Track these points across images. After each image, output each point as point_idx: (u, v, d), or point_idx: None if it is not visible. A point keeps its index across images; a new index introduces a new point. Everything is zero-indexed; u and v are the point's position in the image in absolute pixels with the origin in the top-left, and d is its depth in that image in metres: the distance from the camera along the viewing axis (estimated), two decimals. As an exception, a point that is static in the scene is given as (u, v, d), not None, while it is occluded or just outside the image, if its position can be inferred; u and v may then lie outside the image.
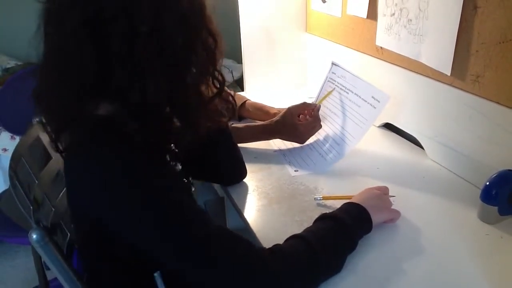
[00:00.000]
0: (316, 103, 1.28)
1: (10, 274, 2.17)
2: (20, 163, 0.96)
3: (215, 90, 0.82)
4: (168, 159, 0.87)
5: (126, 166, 0.71)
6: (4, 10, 2.67)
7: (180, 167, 0.93)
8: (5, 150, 2.17)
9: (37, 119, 0.80)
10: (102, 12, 0.68)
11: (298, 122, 1.24)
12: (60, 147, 0.80)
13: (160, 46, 0.70)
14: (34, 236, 0.76)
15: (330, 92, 1.28)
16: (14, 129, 2.00)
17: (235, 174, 1.15)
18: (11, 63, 2.61)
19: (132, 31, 0.68)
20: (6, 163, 1.16)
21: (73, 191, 0.78)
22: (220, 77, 0.82)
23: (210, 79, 0.80)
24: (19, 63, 2.59)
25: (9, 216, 1.50)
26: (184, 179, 0.90)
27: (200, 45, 0.75)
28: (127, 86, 0.70)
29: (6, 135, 2.16)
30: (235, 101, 1.06)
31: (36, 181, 0.87)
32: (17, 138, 2.12)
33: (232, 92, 1.49)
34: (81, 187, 0.74)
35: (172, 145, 0.92)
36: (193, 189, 0.96)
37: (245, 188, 1.13)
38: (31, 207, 0.85)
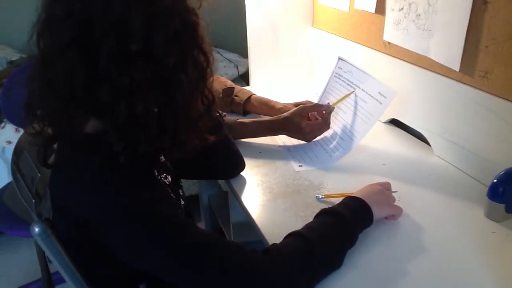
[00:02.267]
0: (331, 105, 1.26)
1: (13, 267, 2.17)
2: (23, 157, 0.95)
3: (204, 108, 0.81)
4: (156, 173, 0.87)
5: (112, 188, 0.71)
6: (9, 3, 2.67)
7: (170, 179, 0.92)
8: (9, 142, 2.17)
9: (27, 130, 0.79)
10: (92, 30, 0.67)
11: (306, 122, 1.22)
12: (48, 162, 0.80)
13: (150, 65, 0.69)
14: (36, 229, 0.75)
15: (348, 95, 1.26)
16: (18, 122, 1.99)
17: (232, 167, 1.14)
18: (16, 56, 2.61)
19: (121, 49, 0.67)
20: (10, 155, 1.15)
21: (58, 206, 0.79)
22: (210, 96, 0.81)
23: (200, 97, 0.79)
24: (23, 55, 2.59)
25: (12, 209, 1.50)
26: (173, 195, 0.89)
27: (191, 64, 0.74)
28: (115, 104, 0.69)
29: (10, 127, 2.16)
30: (222, 119, 1.05)
31: (39, 174, 0.87)
32: (21, 131, 2.11)
33: (235, 86, 1.49)
34: (67, 205, 0.75)
35: (161, 156, 0.92)
36: (182, 202, 0.95)
37: (249, 182, 1.12)
38: (33, 201, 0.84)
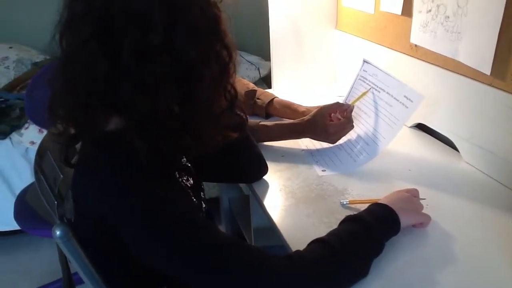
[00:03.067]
0: (350, 103, 1.24)
1: (34, 266, 2.19)
2: (46, 157, 0.95)
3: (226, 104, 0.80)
4: (177, 175, 0.86)
5: (129, 187, 0.70)
6: (34, 4, 2.71)
7: (192, 181, 0.91)
8: (32, 143, 2.19)
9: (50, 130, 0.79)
10: (113, 24, 0.66)
11: (329, 123, 1.20)
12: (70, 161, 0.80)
13: (171, 59, 0.68)
14: (58, 232, 0.75)
15: (365, 93, 1.23)
16: (42, 123, 2.01)
17: (255, 171, 1.12)
18: (40, 57, 2.65)
19: (143, 44, 0.66)
20: (34, 156, 1.16)
21: (79, 205, 0.78)
22: (232, 91, 0.80)
23: (223, 93, 0.78)
24: (48, 57, 2.62)
25: (35, 209, 1.51)
26: (194, 199, 0.88)
27: (214, 58, 0.73)
28: (136, 99, 0.69)
29: (34, 128, 2.18)
30: (246, 115, 1.04)
31: (61, 175, 0.87)
32: (45, 132, 2.13)
33: (257, 89, 1.47)
34: (86, 203, 0.75)
35: (183, 159, 0.90)
36: (204, 205, 0.94)
37: (272, 186, 1.10)
38: (56, 202, 0.84)
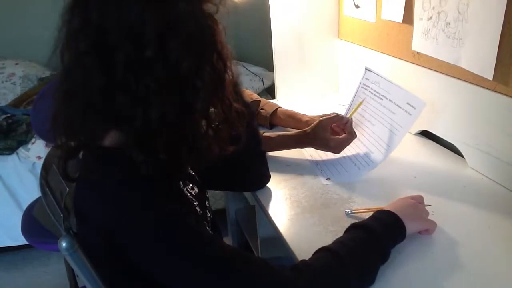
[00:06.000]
0: (348, 116, 1.24)
1: (43, 280, 2.20)
2: (52, 171, 0.96)
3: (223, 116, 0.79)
4: (182, 184, 0.86)
5: (136, 199, 0.71)
6: (39, 21, 2.74)
7: (196, 190, 0.91)
8: (39, 158, 2.21)
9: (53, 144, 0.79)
10: (107, 38, 0.67)
11: (330, 137, 1.19)
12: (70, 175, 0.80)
13: (165, 71, 0.69)
14: (64, 244, 0.75)
15: (360, 103, 1.23)
16: (48, 137, 2.03)
17: (258, 179, 1.12)
18: (46, 73, 2.68)
19: (137, 56, 0.67)
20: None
21: (83, 218, 0.78)
22: (228, 102, 0.79)
23: (218, 104, 0.78)
24: (54, 72, 2.65)
25: (43, 223, 1.52)
26: (198, 208, 0.87)
27: (208, 70, 0.73)
28: (133, 112, 0.69)
29: (40, 143, 2.20)
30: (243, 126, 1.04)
31: (67, 189, 0.87)
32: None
33: (261, 99, 1.48)
34: (92, 217, 0.75)
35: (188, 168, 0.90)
36: (208, 214, 0.94)
37: (277, 196, 1.10)
38: (62, 215, 0.84)
